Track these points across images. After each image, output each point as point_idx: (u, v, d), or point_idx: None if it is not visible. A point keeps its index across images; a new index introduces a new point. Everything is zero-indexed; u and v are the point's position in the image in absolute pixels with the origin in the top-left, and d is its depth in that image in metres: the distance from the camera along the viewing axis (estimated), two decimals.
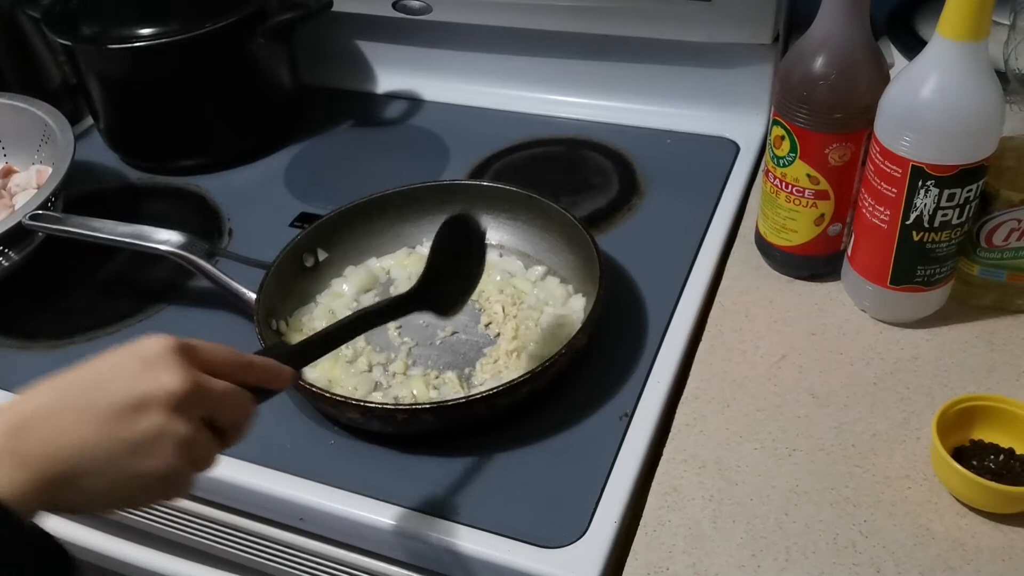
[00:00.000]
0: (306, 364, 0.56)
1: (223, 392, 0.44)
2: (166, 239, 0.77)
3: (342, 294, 0.81)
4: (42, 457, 0.38)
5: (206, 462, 0.45)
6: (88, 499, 0.39)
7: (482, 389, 0.68)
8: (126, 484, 0.40)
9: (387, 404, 0.67)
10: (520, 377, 0.64)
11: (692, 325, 0.74)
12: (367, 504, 0.64)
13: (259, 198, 0.96)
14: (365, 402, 0.66)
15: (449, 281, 0.66)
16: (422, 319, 0.77)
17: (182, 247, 0.77)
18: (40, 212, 0.81)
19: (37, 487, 0.37)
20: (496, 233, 0.84)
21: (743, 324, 0.73)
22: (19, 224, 0.80)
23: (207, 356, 0.45)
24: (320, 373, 0.72)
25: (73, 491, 0.39)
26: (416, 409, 0.65)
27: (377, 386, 0.72)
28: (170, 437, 0.40)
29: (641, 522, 0.60)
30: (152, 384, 0.40)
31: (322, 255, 0.82)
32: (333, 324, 0.59)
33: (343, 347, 0.69)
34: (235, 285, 0.76)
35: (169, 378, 0.40)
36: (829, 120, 0.67)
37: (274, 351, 0.53)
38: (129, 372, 0.40)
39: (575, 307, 0.76)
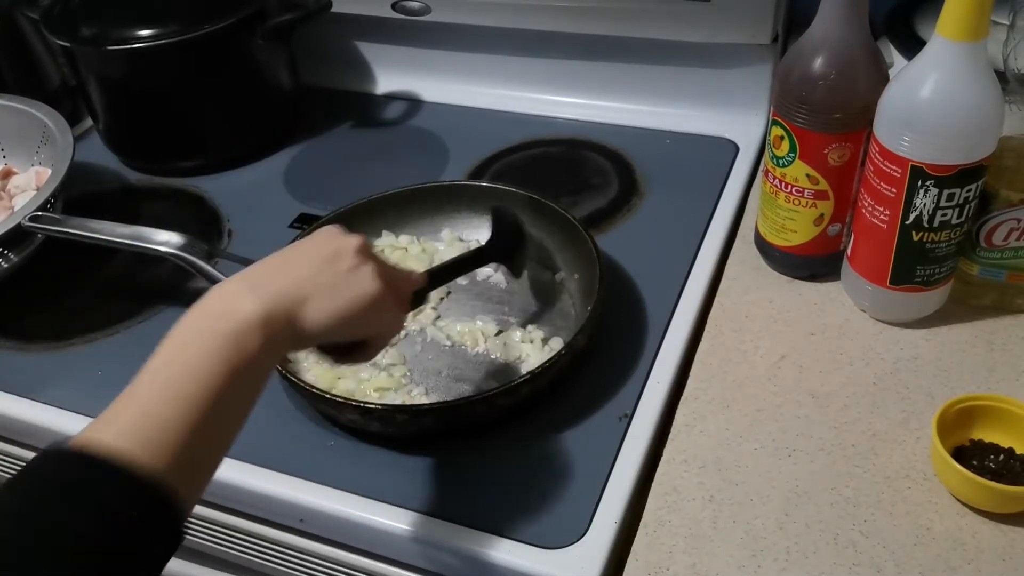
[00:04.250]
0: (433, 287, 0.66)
1: (380, 254, 0.58)
2: (165, 240, 0.77)
3: None
4: (276, 293, 0.49)
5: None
6: (326, 316, 0.51)
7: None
8: (348, 304, 0.52)
9: (387, 405, 0.67)
10: (520, 377, 0.64)
11: (692, 325, 0.74)
12: (367, 505, 0.64)
13: (258, 199, 0.96)
14: (365, 403, 0.66)
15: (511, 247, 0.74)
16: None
17: (181, 248, 0.77)
18: (39, 213, 0.81)
19: (279, 313, 0.49)
20: None
21: (743, 324, 0.73)
22: (18, 225, 0.80)
23: None
24: (317, 375, 0.72)
25: (307, 312, 0.50)
26: (416, 410, 0.65)
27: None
28: (367, 268, 0.54)
29: (641, 522, 0.60)
30: (340, 241, 0.54)
31: None
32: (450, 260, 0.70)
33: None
34: None
35: (350, 237, 0.55)
36: (828, 120, 0.67)
37: None
38: (320, 240, 0.55)
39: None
